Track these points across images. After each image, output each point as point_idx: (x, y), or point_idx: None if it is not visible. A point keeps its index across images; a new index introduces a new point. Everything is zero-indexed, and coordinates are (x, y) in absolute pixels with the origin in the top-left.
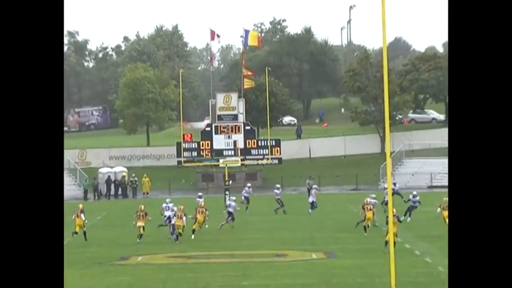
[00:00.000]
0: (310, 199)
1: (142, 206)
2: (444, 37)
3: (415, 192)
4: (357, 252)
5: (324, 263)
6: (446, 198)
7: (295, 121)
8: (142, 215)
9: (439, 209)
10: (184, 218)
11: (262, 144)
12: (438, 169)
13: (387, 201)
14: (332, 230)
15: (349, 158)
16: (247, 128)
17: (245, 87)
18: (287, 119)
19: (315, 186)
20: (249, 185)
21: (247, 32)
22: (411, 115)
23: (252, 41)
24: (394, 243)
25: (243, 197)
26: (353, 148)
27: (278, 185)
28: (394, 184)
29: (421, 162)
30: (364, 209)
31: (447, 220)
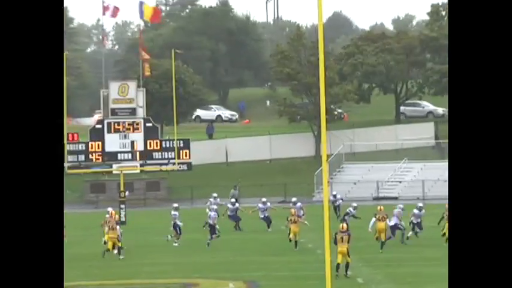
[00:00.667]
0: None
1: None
2: (394, 12)
3: (354, 204)
4: (284, 281)
5: None
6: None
7: (236, 116)
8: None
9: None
10: (118, 227)
11: (167, 145)
12: (386, 176)
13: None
14: (255, 252)
15: (276, 162)
16: (148, 125)
17: (145, 74)
18: (227, 113)
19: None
20: (264, 200)
21: (141, 3)
22: (402, 107)
23: (147, 15)
24: (347, 267)
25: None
26: (281, 150)
27: (264, 199)
28: (335, 196)
29: (366, 168)
30: (288, 220)
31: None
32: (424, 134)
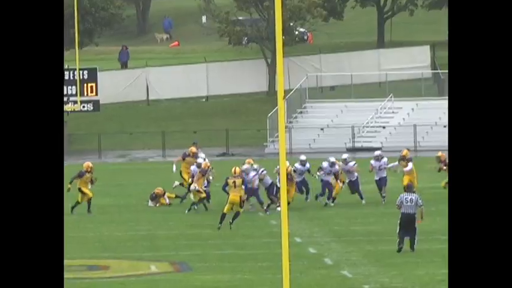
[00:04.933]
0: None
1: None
2: None
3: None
4: (224, 262)
5: (172, 279)
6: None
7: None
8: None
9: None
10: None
11: (66, 77)
12: (365, 119)
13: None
14: (184, 224)
15: (214, 101)
16: None
17: None
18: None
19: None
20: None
21: None
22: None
23: None
24: (235, 217)
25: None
26: (222, 84)
27: (202, 155)
28: (303, 164)
29: (337, 109)
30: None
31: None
32: (416, 61)
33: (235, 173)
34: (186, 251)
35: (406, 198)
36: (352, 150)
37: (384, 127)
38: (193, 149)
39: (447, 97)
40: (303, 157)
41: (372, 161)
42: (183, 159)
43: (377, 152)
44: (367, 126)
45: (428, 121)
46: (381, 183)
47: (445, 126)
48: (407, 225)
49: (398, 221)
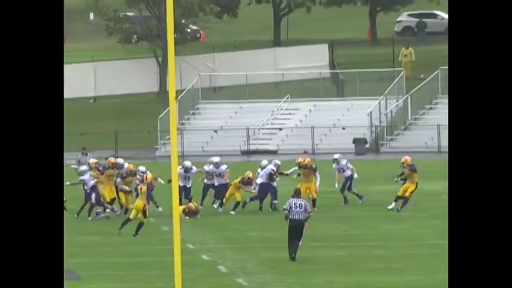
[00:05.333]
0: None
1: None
2: None
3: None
4: (116, 270)
5: None
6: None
7: None
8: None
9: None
10: None
11: None
12: (261, 121)
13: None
14: (74, 231)
15: (103, 101)
16: None
17: None
18: None
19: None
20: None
21: None
22: (404, 18)
23: None
24: (139, 227)
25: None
26: (110, 84)
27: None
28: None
29: (231, 110)
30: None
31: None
32: (314, 60)
33: (146, 179)
34: (74, 259)
35: (295, 204)
36: (247, 153)
37: (280, 129)
38: (112, 159)
39: (346, 98)
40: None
41: (334, 165)
42: (102, 173)
43: (336, 155)
44: (263, 128)
45: (326, 123)
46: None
47: (343, 128)
48: (296, 231)
49: (287, 228)
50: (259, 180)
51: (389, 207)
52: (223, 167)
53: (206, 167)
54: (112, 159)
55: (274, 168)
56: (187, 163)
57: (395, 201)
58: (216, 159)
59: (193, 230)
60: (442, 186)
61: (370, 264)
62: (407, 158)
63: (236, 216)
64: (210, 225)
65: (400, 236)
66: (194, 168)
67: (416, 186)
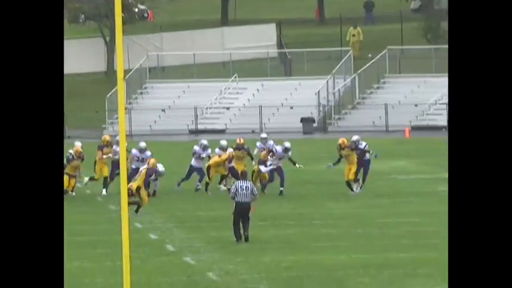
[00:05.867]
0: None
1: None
2: None
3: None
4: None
5: None
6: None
7: None
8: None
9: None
10: None
11: None
12: (209, 100)
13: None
14: None
15: None
16: None
17: None
18: None
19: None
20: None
21: None
22: None
23: None
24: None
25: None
26: None
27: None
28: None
29: (179, 89)
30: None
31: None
32: (262, 40)
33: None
34: None
35: (241, 186)
36: (195, 132)
37: (228, 108)
38: (107, 137)
39: (294, 77)
40: (287, 144)
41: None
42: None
43: (355, 137)
44: (211, 108)
45: (274, 102)
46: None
47: (291, 108)
48: (243, 214)
49: (233, 210)
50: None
51: (352, 193)
52: (148, 153)
53: (133, 150)
54: (107, 137)
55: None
56: (142, 144)
57: (349, 186)
58: (142, 144)
59: (142, 209)
60: (388, 166)
61: (317, 243)
62: (344, 139)
63: (184, 196)
64: (158, 205)
65: (348, 214)
66: (148, 152)
67: (358, 166)
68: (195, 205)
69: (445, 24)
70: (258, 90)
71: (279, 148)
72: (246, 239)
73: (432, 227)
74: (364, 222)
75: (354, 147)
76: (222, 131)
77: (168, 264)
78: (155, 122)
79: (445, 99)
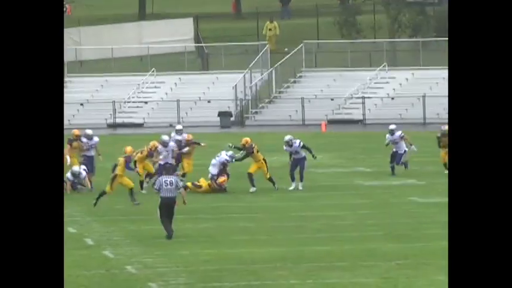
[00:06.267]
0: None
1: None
2: None
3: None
4: None
5: None
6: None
7: None
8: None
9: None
10: None
11: None
12: (127, 94)
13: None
14: None
15: None
16: None
17: None
18: None
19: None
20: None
21: None
22: None
23: None
24: None
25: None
26: None
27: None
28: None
29: (97, 83)
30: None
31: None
32: (179, 34)
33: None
34: None
35: (165, 181)
36: (113, 126)
37: (146, 102)
38: (76, 131)
39: (211, 71)
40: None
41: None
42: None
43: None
44: (129, 102)
45: (192, 96)
46: (397, 155)
47: (209, 102)
48: (167, 209)
49: (158, 206)
50: (211, 169)
51: (291, 188)
52: (96, 139)
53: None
54: (76, 132)
55: (228, 159)
56: (89, 131)
57: (274, 184)
58: (89, 131)
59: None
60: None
61: (235, 236)
62: (247, 139)
63: (102, 189)
64: (76, 199)
65: (265, 208)
66: (96, 138)
67: (265, 163)
68: (113, 199)
69: (360, 19)
70: (175, 84)
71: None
72: (169, 238)
73: (348, 220)
74: (282, 216)
75: (288, 146)
76: (140, 125)
77: (87, 257)
78: (73, 116)
79: (361, 94)
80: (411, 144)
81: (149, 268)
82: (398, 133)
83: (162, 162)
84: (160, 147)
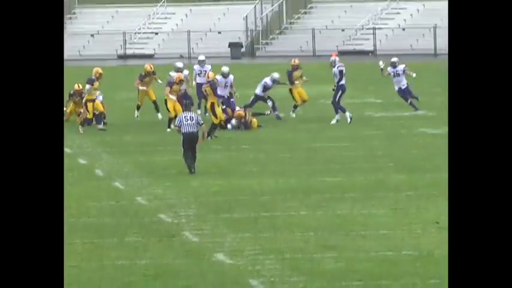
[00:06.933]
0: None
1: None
2: None
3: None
4: None
5: None
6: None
7: None
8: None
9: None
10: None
11: None
12: (136, 25)
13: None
14: None
15: None
16: None
17: None
18: None
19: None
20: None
21: None
22: None
23: None
24: None
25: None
26: None
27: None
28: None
29: (108, 14)
30: None
31: None
32: None
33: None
34: None
35: (185, 117)
36: (124, 57)
37: (156, 33)
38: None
39: (222, 2)
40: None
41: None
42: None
43: (394, 58)
44: (139, 33)
45: (202, 27)
46: (406, 90)
47: (219, 33)
48: (190, 144)
49: (181, 142)
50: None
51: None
52: (401, 66)
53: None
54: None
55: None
56: (179, 64)
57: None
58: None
59: (70, 135)
60: (316, 91)
61: (246, 167)
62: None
63: (113, 121)
64: (87, 130)
65: (275, 139)
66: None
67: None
68: (122, 130)
69: None
70: (186, 15)
71: (268, 79)
72: (192, 173)
73: (359, 151)
74: (292, 147)
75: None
76: (150, 56)
77: (97, 189)
78: (84, 47)
79: (372, 24)
80: (411, 74)
81: (159, 199)
82: (401, 66)
83: (220, 93)
84: (220, 78)
